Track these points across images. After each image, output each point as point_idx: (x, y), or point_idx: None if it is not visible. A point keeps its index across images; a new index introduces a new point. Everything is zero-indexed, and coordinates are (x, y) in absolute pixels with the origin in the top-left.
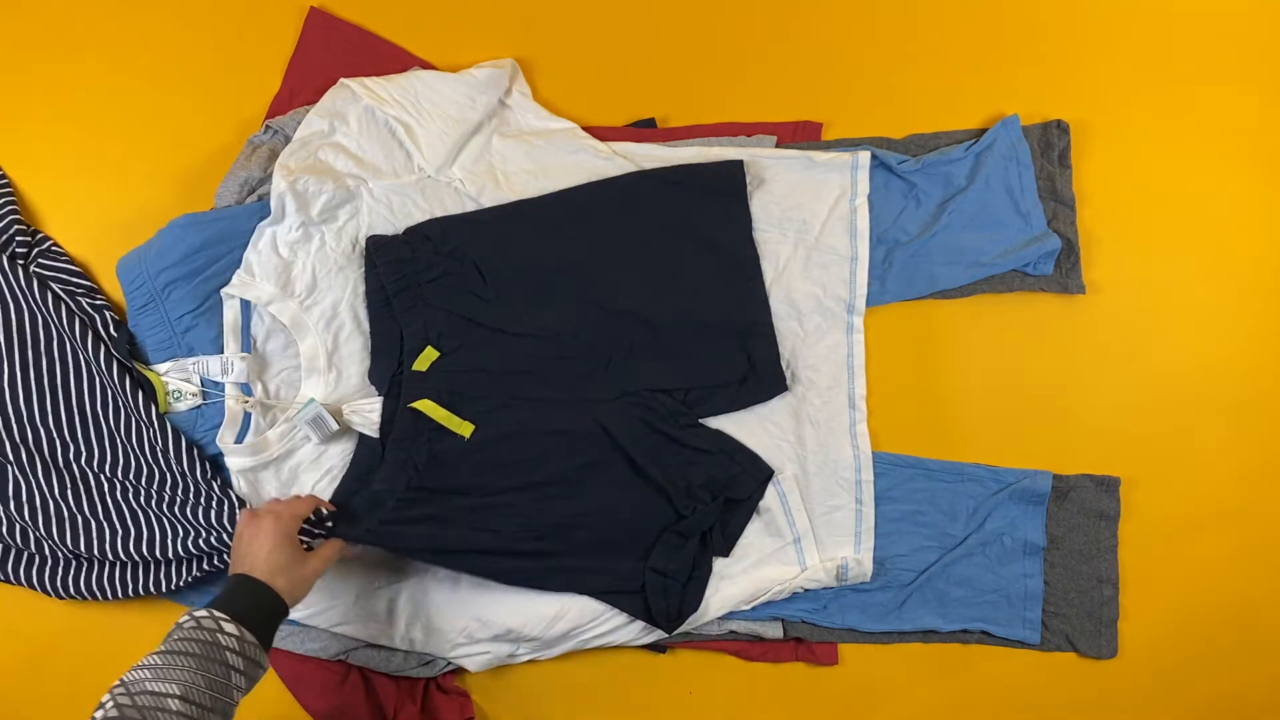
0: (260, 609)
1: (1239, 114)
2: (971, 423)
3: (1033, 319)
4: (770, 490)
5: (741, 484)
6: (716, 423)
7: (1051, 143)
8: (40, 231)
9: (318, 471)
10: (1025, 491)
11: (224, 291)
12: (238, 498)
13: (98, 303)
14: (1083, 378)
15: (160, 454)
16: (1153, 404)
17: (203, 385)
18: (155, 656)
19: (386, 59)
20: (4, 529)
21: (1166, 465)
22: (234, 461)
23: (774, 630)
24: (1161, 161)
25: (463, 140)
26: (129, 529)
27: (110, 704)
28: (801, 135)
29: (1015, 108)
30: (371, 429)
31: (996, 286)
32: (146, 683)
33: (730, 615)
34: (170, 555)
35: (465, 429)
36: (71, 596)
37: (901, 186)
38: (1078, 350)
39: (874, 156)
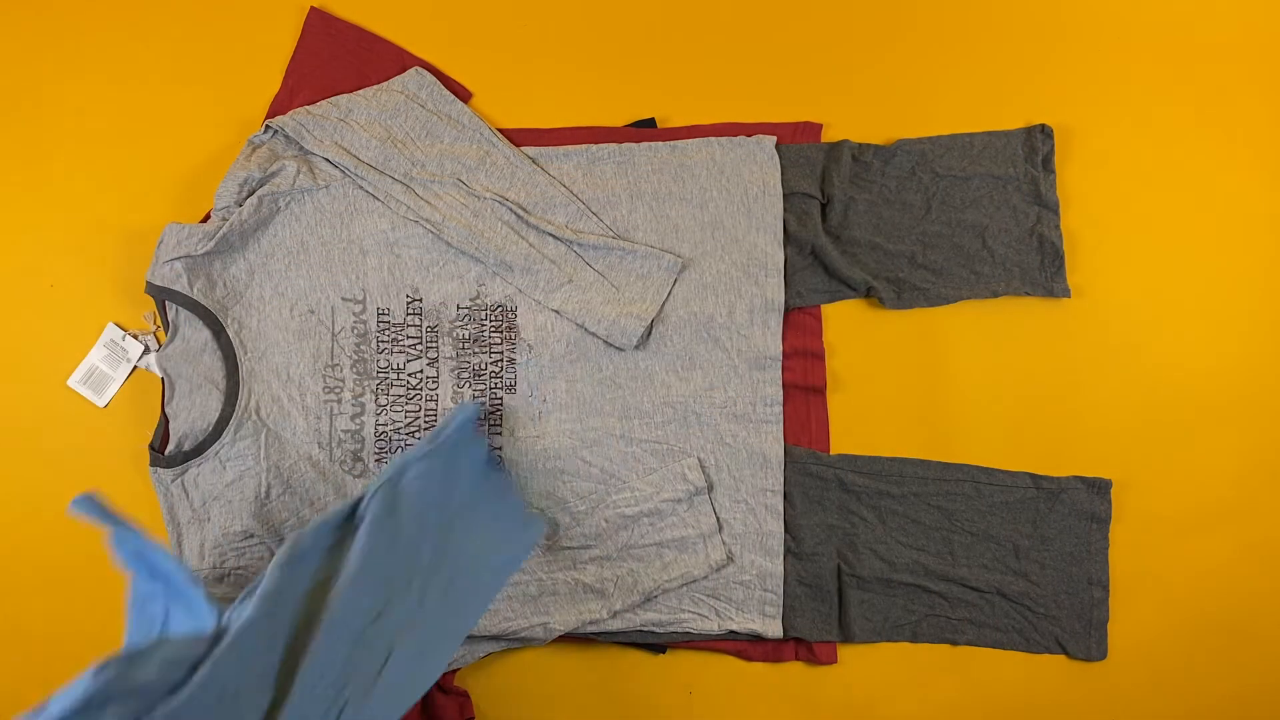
0: None
1: (1223, 117)
2: (965, 425)
3: (1023, 322)
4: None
5: None
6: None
7: (1035, 147)
8: None
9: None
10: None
11: None
12: None
13: None
14: (1073, 381)
15: None
16: (1143, 406)
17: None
18: None
19: (386, 59)
20: None
21: (1157, 467)
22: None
23: (774, 630)
24: (1145, 165)
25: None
26: None
27: None
28: (801, 135)
29: (1002, 112)
30: None
31: (984, 291)
32: None
33: (729, 616)
34: None
35: None
36: None
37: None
38: (1068, 353)
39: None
